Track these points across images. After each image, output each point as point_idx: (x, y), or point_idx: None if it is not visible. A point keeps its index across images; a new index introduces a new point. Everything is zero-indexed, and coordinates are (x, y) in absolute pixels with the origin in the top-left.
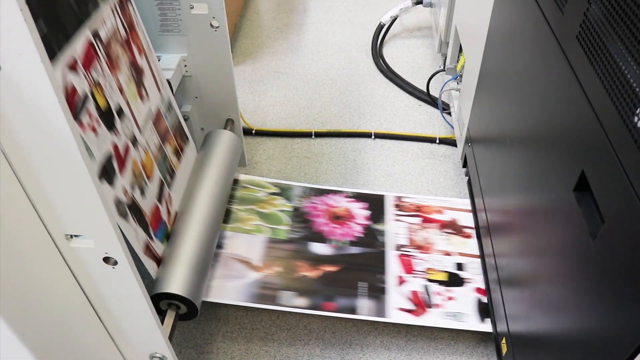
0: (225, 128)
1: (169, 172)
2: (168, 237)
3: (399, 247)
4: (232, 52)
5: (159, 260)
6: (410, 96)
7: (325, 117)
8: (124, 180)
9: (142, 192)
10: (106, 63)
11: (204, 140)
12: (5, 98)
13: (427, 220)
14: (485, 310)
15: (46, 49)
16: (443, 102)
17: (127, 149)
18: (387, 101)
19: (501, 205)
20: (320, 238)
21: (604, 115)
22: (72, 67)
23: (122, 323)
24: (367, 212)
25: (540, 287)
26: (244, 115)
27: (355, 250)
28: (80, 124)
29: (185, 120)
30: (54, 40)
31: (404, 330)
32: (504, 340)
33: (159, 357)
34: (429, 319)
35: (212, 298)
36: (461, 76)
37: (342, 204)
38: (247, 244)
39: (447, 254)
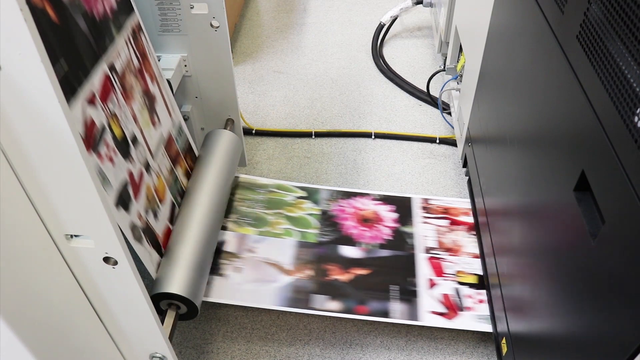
0: (225, 128)
1: (180, 194)
2: None
3: (428, 250)
4: (232, 52)
5: None
6: (410, 96)
7: (325, 117)
8: (138, 205)
9: (155, 215)
10: (121, 94)
11: (204, 140)
12: (5, 98)
13: (454, 223)
14: None
15: (67, 86)
16: (443, 102)
17: (141, 175)
18: (387, 101)
19: (501, 205)
20: (350, 241)
21: (604, 115)
22: (91, 101)
23: (122, 323)
24: (395, 215)
25: (540, 287)
26: (244, 115)
27: (385, 253)
28: (99, 155)
29: (185, 120)
30: (73, 78)
31: (404, 330)
32: (504, 340)
33: (159, 357)
34: (461, 322)
35: (235, 301)
36: (461, 76)
37: (369, 206)
38: (277, 247)
39: (476, 256)
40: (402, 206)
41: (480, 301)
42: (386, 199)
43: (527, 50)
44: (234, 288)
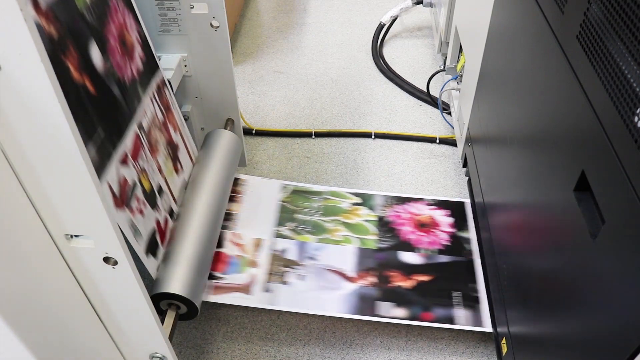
0: (225, 128)
1: None
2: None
3: None
4: (232, 52)
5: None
6: (410, 96)
7: (325, 117)
8: (164, 249)
9: None
10: (148, 149)
11: (204, 140)
12: (5, 98)
13: None
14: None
15: (104, 151)
16: (443, 102)
17: (166, 222)
18: (387, 101)
19: (501, 205)
20: (409, 247)
21: (604, 115)
22: (124, 161)
23: (122, 323)
24: (451, 220)
25: (540, 287)
26: (244, 115)
27: (444, 259)
28: (131, 209)
29: (186, 120)
30: (109, 143)
31: (404, 330)
32: (504, 340)
33: (159, 357)
34: None
35: (299, 309)
36: (461, 76)
37: (425, 211)
38: (338, 254)
39: None
40: (457, 210)
41: None
42: (441, 204)
43: (527, 50)
44: (298, 296)
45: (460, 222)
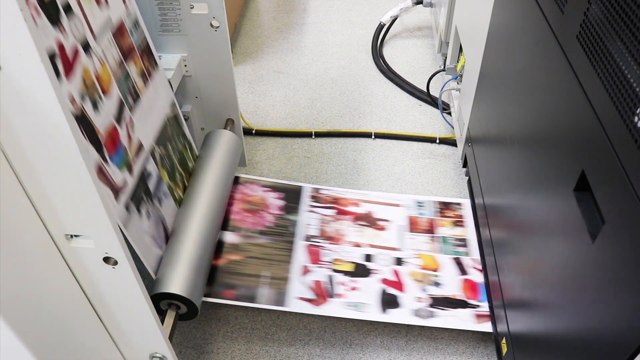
0: (225, 128)
1: (132, 94)
2: (129, 165)
3: (308, 238)
4: (232, 52)
5: (115, 188)
6: (410, 96)
7: (325, 117)
8: (70, 86)
9: (95, 106)
10: None
11: (204, 140)
12: (5, 98)
13: (341, 212)
14: (388, 302)
15: None
16: (443, 102)
17: (75, 52)
18: (387, 101)
19: (501, 205)
20: (230, 227)
21: (604, 115)
22: None
23: (122, 323)
24: (282, 203)
25: (540, 287)
26: (244, 115)
27: (263, 239)
28: None
29: (186, 120)
30: None
31: (404, 330)
32: (504, 340)
33: (159, 357)
34: (328, 308)
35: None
36: (461, 76)
37: (258, 193)
38: None
39: (357, 245)
40: (291, 194)
41: (353, 289)
42: (275, 187)
43: (527, 50)
44: None
45: (290, 205)
